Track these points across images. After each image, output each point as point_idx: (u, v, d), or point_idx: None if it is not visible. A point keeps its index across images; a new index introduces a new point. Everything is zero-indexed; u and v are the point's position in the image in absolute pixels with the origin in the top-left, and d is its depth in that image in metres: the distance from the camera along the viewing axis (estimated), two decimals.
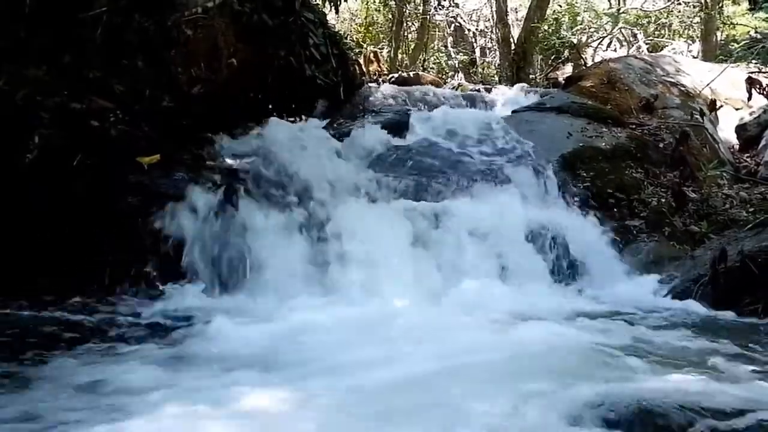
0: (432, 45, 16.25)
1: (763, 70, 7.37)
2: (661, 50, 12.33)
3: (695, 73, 7.54)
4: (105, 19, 4.25)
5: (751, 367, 2.70)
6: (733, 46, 10.33)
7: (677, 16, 13.35)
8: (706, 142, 6.42)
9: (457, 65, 15.15)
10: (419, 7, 15.39)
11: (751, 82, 6.05)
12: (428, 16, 15.20)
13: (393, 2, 15.01)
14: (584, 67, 9.49)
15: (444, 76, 13.52)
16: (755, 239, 4.16)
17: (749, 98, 6.19)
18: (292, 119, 5.85)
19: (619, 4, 13.83)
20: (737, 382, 2.48)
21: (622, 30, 12.44)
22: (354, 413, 2.23)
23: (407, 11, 15.46)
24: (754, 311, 3.71)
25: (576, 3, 13.12)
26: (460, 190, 5.13)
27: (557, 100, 6.81)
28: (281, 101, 5.76)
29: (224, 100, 5.23)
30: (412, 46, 15.72)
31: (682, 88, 7.22)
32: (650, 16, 13.14)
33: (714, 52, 11.33)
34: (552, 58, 12.76)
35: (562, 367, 2.60)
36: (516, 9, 15.44)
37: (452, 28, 16.18)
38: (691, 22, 13.21)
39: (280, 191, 4.65)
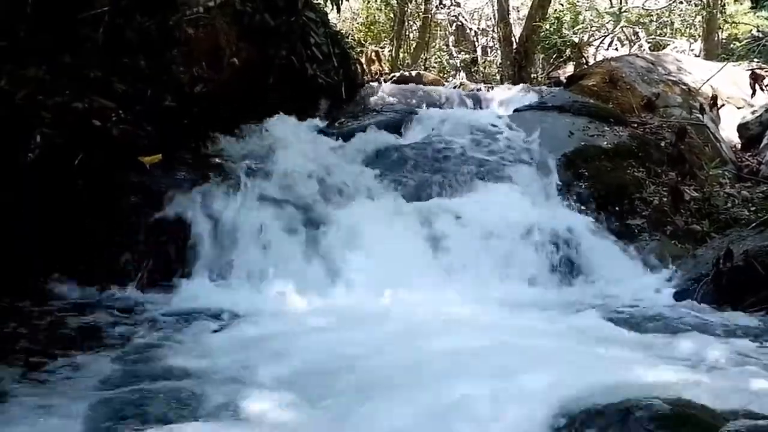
0: (433, 44, 16.23)
1: (765, 68, 7.35)
2: (662, 49, 12.30)
3: (697, 71, 7.53)
4: (106, 19, 4.25)
5: (753, 367, 2.69)
6: (735, 44, 10.32)
7: (679, 15, 13.32)
8: (708, 140, 6.41)
9: (458, 64, 15.12)
10: (421, 6, 15.38)
11: (755, 77, 6.00)
12: (430, 15, 15.19)
13: (394, 1, 15.01)
14: (586, 66, 9.48)
15: (446, 75, 13.51)
16: (758, 238, 4.15)
17: (753, 94, 6.14)
18: (294, 118, 5.85)
19: (620, 2, 13.79)
20: (737, 382, 2.48)
21: (624, 29, 12.41)
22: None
23: (409, 10, 15.45)
24: (757, 311, 3.69)
25: (577, 2, 13.10)
26: (461, 189, 5.13)
27: (559, 99, 6.80)
28: (283, 100, 5.76)
29: (226, 99, 5.24)
30: (414, 45, 15.71)
31: (684, 87, 7.20)
32: (652, 15, 13.10)
33: (716, 50, 11.31)
34: (554, 57, 12.73)
35: (558, 363, 2.59)
36: (518, 8, 15.42)
37: (454, 27, 16.15)
38: (693, 20, 13.18)
39: (282, 190, 4.66)
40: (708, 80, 6.21)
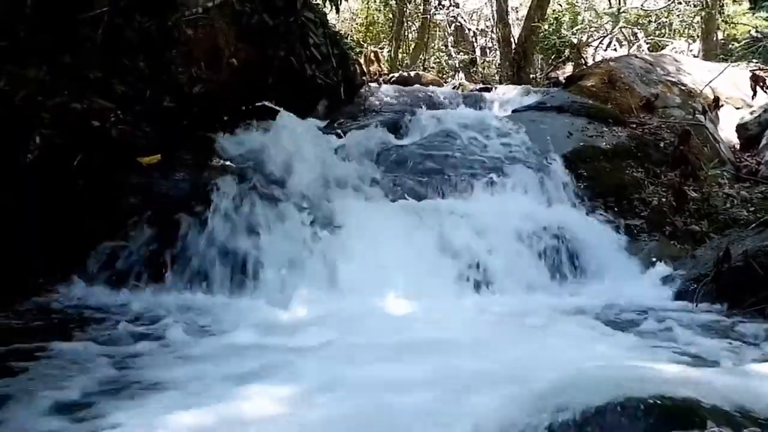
0: (432, 45, 16.26)
1: (764, 69, 7.36)
2: (661, 50, 12.32)
3: (696, 72, 7.54)
4: (105, 19, 4.25)
5: (751, 367, 2.69)
6: (733, 45, 10.34)
7: (678, 16, 13.34)
8: (707, 141, 6.42)
9: (457, 65, 15.15)
10: (420, 7, 15.40)
11: (756, 79, 6.01)
12: (429, 16, 15.21)
13: (393, 2, 15.03)
14: (585, 67, 9.49)
15: (444, 76, 13.54)
16: (757, 238, 4.15)
17: (754, 95, 6.15)
18: (294, 119, 5.84)
19: (619, 3, 13.81)
20: (737, 381, 2.47)
21: (623, 29, 12.43)
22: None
23: (408, 11, 15.48)
24: (756, 311, 3.70)
25: (576, 2, 13.12)
26: (461, 190, 5.14)
27: (558, 100, 6.81)
28: (282, 101, 5.76)
29: (225, 100, 5.24)
30: (413, 46, 15.74)
31: (683, 88, 7.22)
32: (651, 16, 13.13)
33: (715, 51, 11.33)
34: (552, 57, 12.75)
35: (557, 362, 2.59)
36: (516, 8, 15.45)
37: (453, 28, 16.17)
38: (692, 21, 13.20)
39: (282, 191, 4.66)
40: (710, 82, 6.22)
